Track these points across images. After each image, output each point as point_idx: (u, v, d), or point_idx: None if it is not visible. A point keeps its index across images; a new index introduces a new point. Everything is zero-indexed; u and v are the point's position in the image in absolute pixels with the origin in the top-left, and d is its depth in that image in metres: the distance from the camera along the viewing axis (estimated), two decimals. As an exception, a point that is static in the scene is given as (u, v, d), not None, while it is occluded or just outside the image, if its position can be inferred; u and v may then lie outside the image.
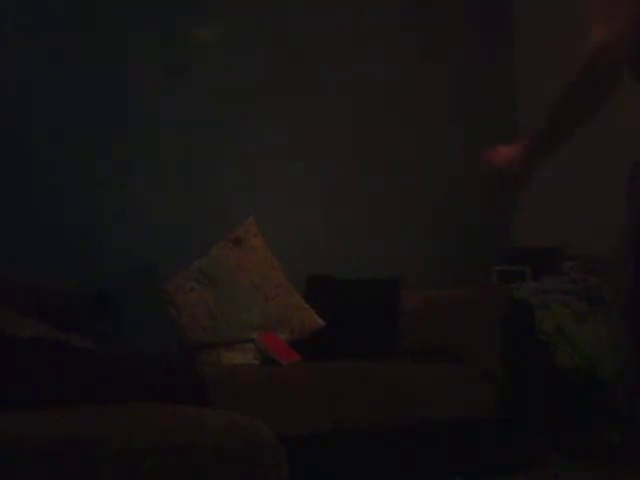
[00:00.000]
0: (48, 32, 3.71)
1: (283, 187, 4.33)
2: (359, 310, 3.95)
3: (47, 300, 3.17)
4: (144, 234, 3.85)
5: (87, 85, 3.81)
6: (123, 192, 3.86)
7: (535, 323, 3.92)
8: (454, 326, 3.79)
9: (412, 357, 3.76)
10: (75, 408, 2.08)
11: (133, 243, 3.81)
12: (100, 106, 3.84)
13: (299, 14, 4.44)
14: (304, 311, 3.85)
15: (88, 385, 2.22)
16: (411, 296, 4.00)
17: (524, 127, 5.17)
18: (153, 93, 3.97)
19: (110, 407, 2.13)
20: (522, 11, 5.21)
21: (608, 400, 3.93)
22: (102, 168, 3.82)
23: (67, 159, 3.74)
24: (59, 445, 1.81)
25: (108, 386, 2.25)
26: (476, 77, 5.07)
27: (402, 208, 4.72)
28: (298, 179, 4.38)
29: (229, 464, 1.99)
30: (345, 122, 4.56)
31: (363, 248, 4.51)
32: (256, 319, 3.70)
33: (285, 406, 3.11)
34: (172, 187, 4.00)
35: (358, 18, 4.64)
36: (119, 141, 3.88)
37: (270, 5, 4.35)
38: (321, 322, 3.84)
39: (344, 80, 4.56)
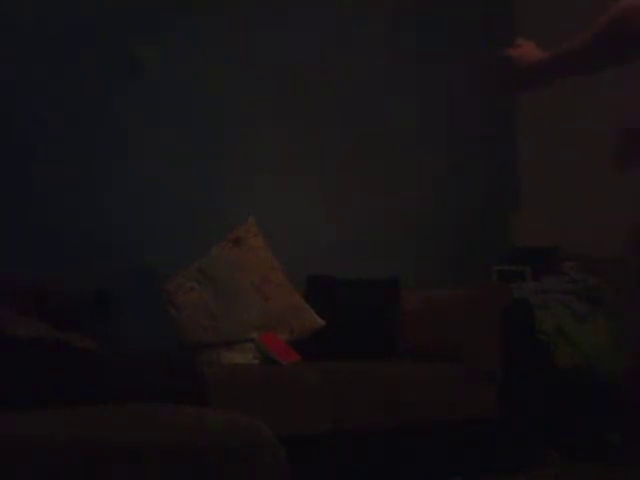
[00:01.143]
0: (49, 33, 3.71)
1: (283, 187, 4.33)
2: (359, 310, 3.95)
3: (47, 300, 3.17)
4: (144, 234, 3.85)
5: (87, 84, 3.81)
6: (123, 192, 3.86)
7: (535, 323, 3.92)
8: (454, 326, 3.79)
9: (412, 357, 3.76)
10: (75, 408, 2.08)
11: (133, 243, 3.81)
12: (99, 105, 3.84)
13: (299, 13, 4.43)
14: (304, 311, 3.85)
15: (88, 385, 2.22)
16: (411, 296, 4.00)
17: (524, 125, 5.18)
18: (153, 92, 3.97)
19: (110, 407, 2.13)
20: (522, 11, 5.21)
21: (608, 400, 3.93)
22: (102, 168, 3.82)
23: (67, 159, 3.74)
24: (59, 445, 1.81)
25: (108, 386, 2.25)
26: (476, 77, 5.06)
27: (402, 208, 4.72)
28: (298, 179, 4.38)
29: (229, 464, 1.99)
30: (345, 122, 4.56)
31: (363, 248, 4.51)
32: (256, 319, 3.70)
33: (285, 406, 3.11)
34: (172, 187, 4.00)
35: (358, 18, 4.64)
36: (119, 141, 3.88)
37: (270, 5, 4.35)
38: (321, 322, 3.84)
39: (344, 80, 4.56)
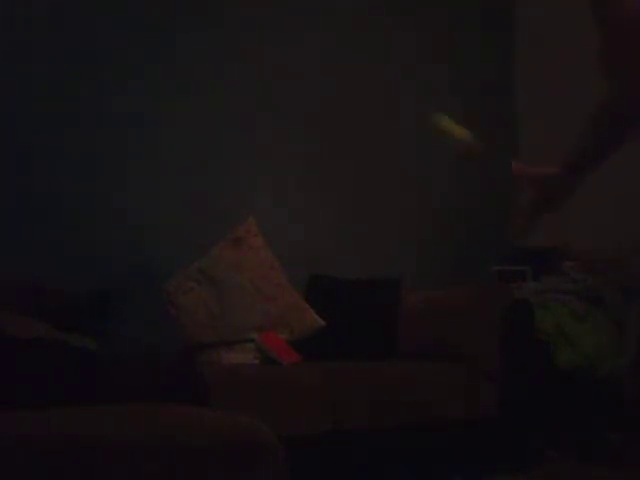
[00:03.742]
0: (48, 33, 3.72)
1: (283, 187, 4.33)
2: (359, 310, 3.95)
3: (47, 300, 3.17)
4: (144, 234, 3.85)
5: (88, 84, 3.81)
6: (123, 192, 3.86)
7: (535, 323, 3.92)
8: (454, 326, 3.79)
9: (412, 357, 3.76)
10: (75, 408, 2.08)
11: (133, 243, 3.82)
12: (100, 105, 3.84)
13: (299, 13, 4.44)
14: (304, 311, 3.85)
15: (88, 385, 2.22)
16: (411, 296, 4.00)
17: (523, 127, 5.18)
18: (153, 93, 3.97)
19: (110, 407, 2.13)
20: (522, 11, 5.21)
21: (608, 400, 3.93)
22: (102, 168, 3.82)
23: (67, 159, 3.74)
24: (59, 445, 1.81)
25: (108, 386, 2.25)
26: (476, 78, 5.07)
27: (402, 208, 4.73)
28: (298, 179, 4.38)
29: (229, 464, 1.99)
30: (345, 123, 4.56)
31: (363, 248, 4.51)
32: (256, 319, 3.70)
33: (285, 406, 3.11)
34: (172, 187, 4.00)
35: (358, 18, 4.64)
36: (119, 141, 3.88)
37: (270, 4, 4.35)
38: (321, 322, 3.84)
39: (344, 81, 4.56)
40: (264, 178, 4.27)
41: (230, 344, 3.62)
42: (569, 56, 4.62)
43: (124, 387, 2.27)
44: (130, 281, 3.76)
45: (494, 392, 3.65)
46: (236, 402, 2.75)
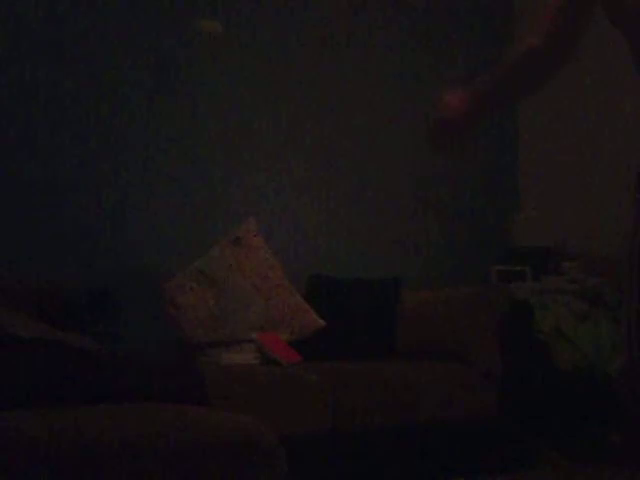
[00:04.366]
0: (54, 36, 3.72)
1: (283, 187, 4.33)
2: (359, 310, 3.95)
3: (47, 300, 3.17)
4: (144, 234, 3.85)
5: (87, 85, 3.81)
6: (123, 192, 3.86)
7: (534, 323, 3.92)
8: (454, 326, 3.79)
9: (412, 357, 3.76)
10: (75, 408, 2.08)
11: (133, 243, 3.82)
12: (100, 105, 3.84)
13: (299, 12, 4.44)
14: (304, 311, 3.85)
15: (88, 385, 2.22)
16: (411, 296, 4.00)
17: (524, 125, 5.18)
18: (153, 93, 3.97)
19: (110, 407, 2.13)
20: (522, 9, 5.20)
21: (608, 400, 3.93)
22: (102, 168, 3.82)
23: (67, 159, 3.74)
24: (59, 445, 1.81)
25: (108, 386, 2.25)
26: (476, 77, 5.06)
27: (402, 208, 4.72)
28: (298, 179, 4.38)
29: (229, 464, 1.99)
30: (345, 122, 4.56)
31: (363, 248, 4.51)
32: (256, 319, 3.70)
33: (285, 406, 3.11)
34: (172, 187, 4.00)
35: (358, 18, 4.64)
36: (119, 141, 3.88)
37: (270, 4, 4.35)
38: (321, 322, 3.84)
39: (344, 81, 4.56)
40: (264, 178, 4.27)
41: (230, 344, 3.62)
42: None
43: (124, 387, 2.27)
44: (130, 281, 3.76)
45: (494, 392, 3.65)
46: (236, 402, 2.75)
